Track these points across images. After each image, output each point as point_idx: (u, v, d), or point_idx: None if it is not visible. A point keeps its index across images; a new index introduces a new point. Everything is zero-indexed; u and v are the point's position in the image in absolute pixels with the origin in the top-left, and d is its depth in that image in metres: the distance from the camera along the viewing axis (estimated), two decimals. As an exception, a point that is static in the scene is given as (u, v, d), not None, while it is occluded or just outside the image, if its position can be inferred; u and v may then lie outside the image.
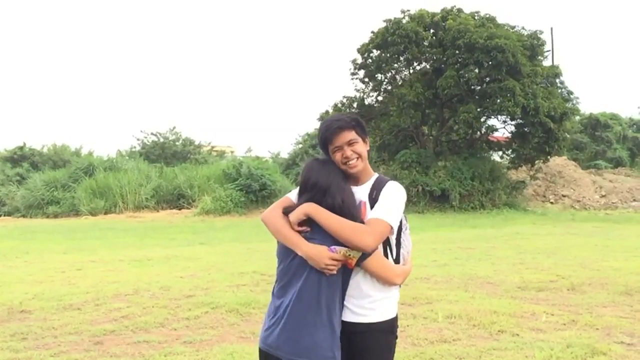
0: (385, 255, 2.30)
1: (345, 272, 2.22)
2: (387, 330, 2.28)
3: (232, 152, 41.52)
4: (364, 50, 23.61)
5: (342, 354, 2.20)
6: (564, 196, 25.49)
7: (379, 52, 23.27)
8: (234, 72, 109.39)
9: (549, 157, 23.81)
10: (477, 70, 21.72)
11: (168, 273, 8.18)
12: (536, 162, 24.21)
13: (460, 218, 19.23)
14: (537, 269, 8.31)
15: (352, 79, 24.77)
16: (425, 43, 22.59)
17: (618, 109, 68.24)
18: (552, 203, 25.02)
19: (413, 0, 64.73)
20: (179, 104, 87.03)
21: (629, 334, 4.93)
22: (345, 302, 2.25)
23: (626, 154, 34.34)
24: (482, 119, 23.60)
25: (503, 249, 10.71)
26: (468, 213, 20.76)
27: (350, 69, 24.47)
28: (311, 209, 2.19)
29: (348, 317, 2.25)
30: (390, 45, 22.18)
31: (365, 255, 2.17)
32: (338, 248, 2.13)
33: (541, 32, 23.51)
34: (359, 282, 2.25)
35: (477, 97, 22.51)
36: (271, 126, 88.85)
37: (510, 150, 24.51)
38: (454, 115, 22.58)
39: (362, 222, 2.20)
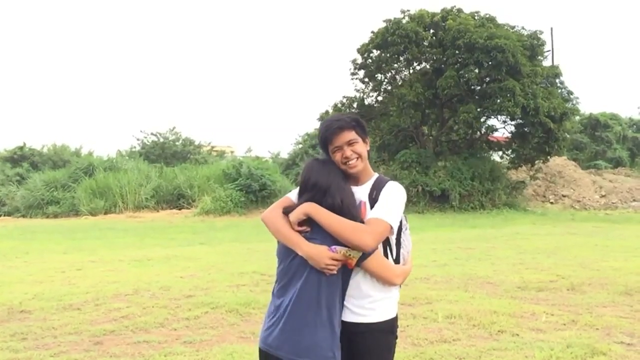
0: (385, 255, 2.30)
1: (345, 272, 2.22)
2: (387, 330, 2.28)
3: (232, 152, 41.54)
4: (363, 50, 23.61)
5: (342, 354, 2.20)
6: (564, 196, 25.50)
7: (379, 52, 23.27)
8: (234, 72, 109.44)
9: (548, 157, 23.81)
10: (477, 70, 21.72)
11: (168, 273, 8.18)
12: (536, 162, 24.22)
13: (460, 218, 19.23)
14: (537, 269, 8.31)
15: (352, 79, 24.81)
16: (425, 43, 22.59)
17: (618, 109, 68.40)
18: (552, 203, 25.02)
19: (413, 0, 64.79)
20: (179, 104, 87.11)
21: (629, 334, 4.93)
22: (345, 302, 2.25)
23: (626, 154, 34.36)
24: (482, 119, 23.60)
25: (503, 249, 10.71)
26: (468, 213, 20.76)
27: (350, 69, 24.52)
28: (311, 208, 2.19)
29: (348, 317, 2.25)
30: (390, 45, 22.18)
31: (365, 255, 2.17)
32: (338, 248, 2.13)
33: (541, 32, 23.55)
34: (359, 282, 2.25)
35: (477, 97, 22.51)
36: (271, 126, 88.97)
37: (510, 151, 24.52)
38: (454, 115, 22.59)
39: (362, 222, 2.20)
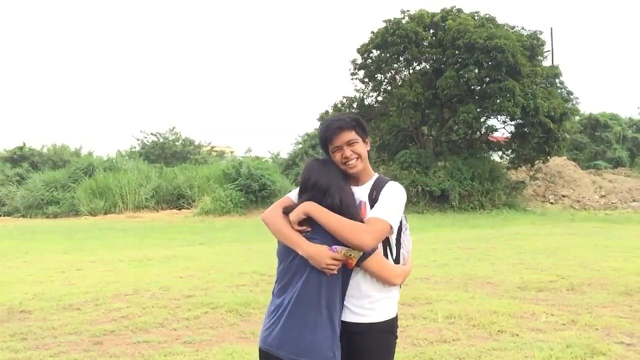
0: (385, 255, 2.30)
1: (345, 272, 2.22)
2: (387, 330, 2.28)
3: (231, 152, 41.54)
4: (363, 50, 23.61)
5: (342, 354, 2.20)
6: (563, 196, 25.50)
7: (378, 52, 23.28)
8: (233, 72, 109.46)
9: (548, 157, 23.81)
10: (476, 71, 21.73)
11: (168, 273, 8.18)
12: (536, 162, 24.22)
13: (460, 218, 19.23)
14: (536, 269, 8.31)
15: (352, 79, 24.82)
16: (425, 43, 22.60)
17: (618, 109, 68.40)
18: (551, 203, 25.03)
19: (413, 0, 64.77)
20: (179, 104, 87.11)
21: (629, 334, 4.94)
22: (345, 303, 2.25)
23: (626, 154, 34.37)
24: (482, 119, 23.60)
25: (503, 249, 10.71)
26: (468, 213, 20.76)
27: (350, 69, 24.53)
28: (310, 207, 2.19)
29: (348, 317, 2.25)
30: (390, 45, 22.19)
31: (365, 255, 2.17)
32: (339, 248, 2.13)
33: (541, 32, 23.57)
34: (358, 283, 2.25)
35: (476, 97, 22.52)
36: (271, 126, 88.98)
37: (510, 151, 24.53)
38: (454, 115, 22.59)
39: (362, 222, 2.20)
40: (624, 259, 9.27)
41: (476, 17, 22.90)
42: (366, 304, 2.25)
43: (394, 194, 2.28)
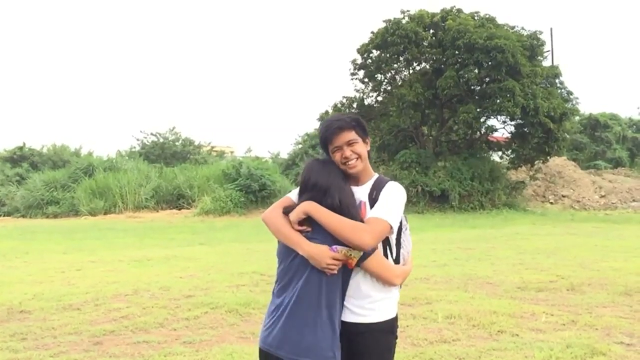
0: (385, 255, 2.30)
1: (345, 272, 2.22)
2: (387, 331, 2.28)
3: (231, 152, 41.55)
4: (363, 50, 23.61)
5: (342, 354, 2.20)
6: (563, 196, 25.50)
7: (378, 52, 23.28)
8: (233, 72, 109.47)
9: (548, 157, 23.81)
10: (476, 71, 21.73)
11: (168, 273, 8.18)
12: (536, 162, 24.22)
13: (459, 218, 19.23)
14: (536, 269, 8.31)
15: (352, 79, 24.83)
16: (425, 43, 22.60)
17: (618, 110, 68.35)
18: (551, 203, 25.03)
19: (413, 0, 64.67)
20: (179, 104, 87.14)
21: (629, 334, 4.93)
22: (345, 303, 2.25)
23: (626, 154, 34.38)
24: (482, 119, 23.61)
25: (503, 249, 10.71)
26: (468, 213, 20.76)
27: (350, 69, 24.53)
28: (310, 207, 2.20)
29: (348, 317, 2.25)
30: (390, 45, 22.19)
31: (365, 255, 2.17)
32: (339, 247, 2.13)
33: (541, 33, 23.57)
34: (358, 283, 2.25)
35: (476, 97, 22.52)
36: (271, 126, 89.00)
37: (510, 151, 24.53)
38: (454, 115, 22.59)
39: (362, 222, 2.20)
40: (624, 259, 9.27)
41: (476, 17, 22.90)
42: (366, 304, 2.25)
43: (394, 194, 2.28)
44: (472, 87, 22.84)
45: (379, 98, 25.46)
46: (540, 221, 18.21)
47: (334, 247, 2.13)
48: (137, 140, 35.37)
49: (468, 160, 22.57)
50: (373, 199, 2.27)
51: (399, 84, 24.02)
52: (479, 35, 20.74)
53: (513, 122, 23.03)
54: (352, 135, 2.30)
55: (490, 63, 21.00)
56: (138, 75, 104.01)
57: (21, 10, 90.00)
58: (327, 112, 24.60)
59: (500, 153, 25.75)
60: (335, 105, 25.08)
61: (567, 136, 24.30)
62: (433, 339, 4.80)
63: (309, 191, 2.25)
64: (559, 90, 24.85)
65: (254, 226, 15.89)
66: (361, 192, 2.32)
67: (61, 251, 11.39)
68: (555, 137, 21.89)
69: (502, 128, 24.20)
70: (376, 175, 2.39)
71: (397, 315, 2.34)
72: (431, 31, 22.93)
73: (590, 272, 7.93)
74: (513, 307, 5.88)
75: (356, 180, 2.34)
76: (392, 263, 2.32)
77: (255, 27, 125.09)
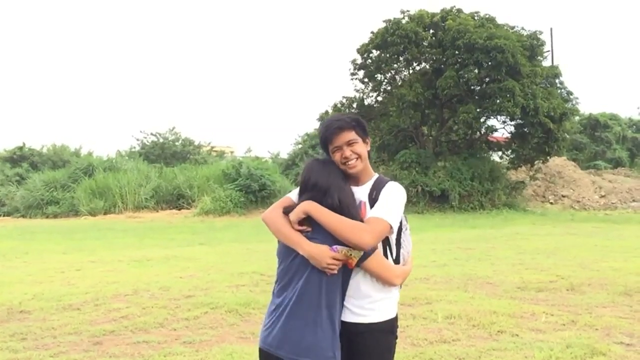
0: (385, 255, 2.30)
1: (345, 272, 2.22)
2: (387, 331, 2.28)
3: (231, 152, 41.55)
4: (363, 50, 23.61)
5: (342, 354, 2.20)
6: (563, 196, 25.50)
7: (378, 52, 23.28)
8: (233, 72, 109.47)
9: (548, 157, 23.81)
10: (476, 71, 21.72)
11: (167, 273, 8.18)
12: (536, 162, 24.22)
13: (459, 218, 19.23)
14: (536, 269, 8.31)
15: (352, 79, 24.81)
16: (425, 43, 22.60)
17: (617, 110, 68.34)
18: (551, 203, 25.03)
19: (413, 0, 64.63)
20: (179, 104, 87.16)
21: (629, 334, 4.93)
22: (345, 303, 2.25)
23: (626, 154, 34.38)
24: (482, 119, 23.61)
25: (502, 250, 10.71)
26: (468, 213, 20.76)
27: (349, 69, 24.52)
28: (310, 206, 2.20)
29: (348, 317, 2.24)
30: (389, 45, 22.19)
31: (366, 255, 2.17)
32: (340, 247, 2.13)
33: (541, 33, 23.56)
34: (358, 283, 2.25)
35: (476, 97, 22.52)
36: (271, 126, 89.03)
37: (510, 151, 24.53)
38: (454, 115, 22.59)
39: (362, 222, 2.20)
40: (624, 259, 9.27)
41: (476, 17, 22.89)
42: (366, 304, 2.25)
43: (394, 194, 2.28)
44: (472, 87, 22.83)
45: (379, 98, 25.46)
46: (540, 221, 18.21)
47: (334, 247, 2.13)
48: (137, 140, 35.42)
49: (468, 160, 22.57)
50: (373, 199, 2.27)
51: (399, 84, 24.02)
52: (479, 35, 20.74)
53: (513, 122, 23.04)
54: (352, 135, 2.30)
55: (490, 63, 21.00)
56: (138, 75, 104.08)
57: (21, 10, 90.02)
58: (327, 112, 24.60)
59: (500, 153, 25.75)
60: (335, 105, 25.08)
61: (567, 136, 24.30)
62: (433, 339, 4.80)
63: (309, 191, 2.25)
64: (559, 90, 24.85)
65: (254, 226, 15.89)
66: (361, 192, 2.32)
67: (61, 251, 11.39)
68: (555, 137, 21.89)
69: (502, 128, 24.25)
70: (376, 176, 2.39)
71: (397, 315, 2.34)
72: (431, 31, 22.92)
73: (590, 272, 7.93)
74: (513, 307, 5.88)
75: (356, 180, 2.34)
76: (392, 263, 2.32)
77: (255, 27, 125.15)
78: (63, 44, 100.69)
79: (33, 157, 30.61)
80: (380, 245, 2.26)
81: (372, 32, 23.42)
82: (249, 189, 21.26)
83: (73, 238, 14.00)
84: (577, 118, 29.77)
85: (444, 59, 22.20)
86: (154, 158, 32.65)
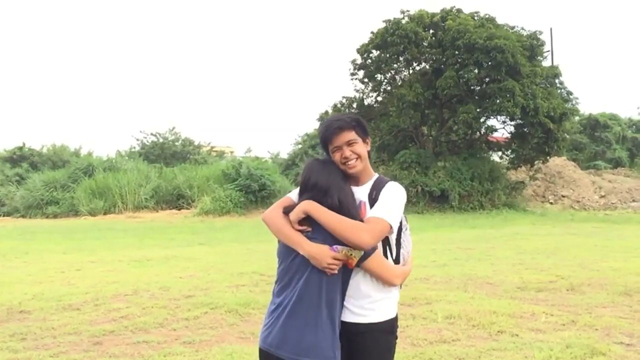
0: (385, 255, 2.30)
1: (345, 272, 2.22)
2: (387, 331, 2.28)
3: (231, 152, 41.54)
4: (363, 50, 23.61)
5: (342, 354, 2.20)
6: (563, 196, 25.50)
7: (378, 52, 23.28)
8: (233, 72, 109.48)
9: (548, 157, 23.81)
10: (476, 71, 21.73)
11: (167, 273, 8.17)
12: (535, 162, 24.21)
13: (459, 218, 19.23)
14: (536, 269, 8.31)
15: (352, 79, 24.81)
16: (425, 43, 22.61)
17: (617, 110, 68.26)
18: (551, 203, 25.02)
19: (413, 0, 64.66)
20: (179, 104, 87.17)
21: (629, 334, 4.93)
22: (344, 303, 2.25)
23: (625, 154, 34.38)
24: (482, 120, 23.61)
25: (502, 250, 10.71)
26: (467, 213, 20.76)
27: (349, 69, 24.52)
28: (310, 206, 2.20)
29: (348, 317, 2.24)
30: (389, 45, 22.19)
31: (366, 255, 2.17)
32: (340, 247, 2.13)
33: (540, 33, 23.57)
34: (358, 283, 2.25)
35: (476, 97, 22.52)
36: (271, 126, 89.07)
37: (510, 151, 24.52)
38: (454, 115, 22.59)
39: (362, 222, 2.20)
40: (624, 259, 9.27)
41: (476, 18, 22.90)
42: (366, 304, 2.25)
43: (394, 194, 2.28)
44: (472, 87, 22.84)
45: (379, 98, 25.46)
46: (540, 221, 18.21)
47: (334, 246, 2.13)
48: (137, 140, 35.42)
49: (468, 161, 22.57)
50: (373, 199, 2.27)
51: (399, 84, 24.02)
52: (478, 35, 20.74)
53: (513, 122, 23.04)
54: (352, 135, 2.30)
55: (490, 63, 21.00)
56: (138, 75, 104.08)
57: (21, 10, 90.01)
58: (327, 112, 24.59)
59: (500, 153, 25.74)
60: (335, 106, 25.08)
61: (567, 136, 24.31)
62: (433, 339, 4.80)
63: (309, 191, 2.25)
64: (559, 91, 24.86)
65: (254, 226, 15.89)
66: (361, 192, 2.32)
67: (61, 251, 11.38)
68: (555, 137, 21.90)
69: (502, 128, 24.24)
70: (376, 176, 2.39)
71: (397, 315, 2.34)
72: (431, 31, 22.93)
73: (590, 272, 7.93)
74: (513, 307, 5.88)
75: (356, 180, 2.34)
76: (392, 263, 2.32)
77: (255, 28, 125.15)
78: (63, 44, 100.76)
79: (33, 157, 30.62)
80: (380, 245, 2.26)
81: (372, 32, 23.43)
82: (249, 189, 21.26)
83: (73, 238, 14.00)
84: (577, 118, 29.78)
85: (444, 59, 22.20)
86: (153, 158, 32.65)
